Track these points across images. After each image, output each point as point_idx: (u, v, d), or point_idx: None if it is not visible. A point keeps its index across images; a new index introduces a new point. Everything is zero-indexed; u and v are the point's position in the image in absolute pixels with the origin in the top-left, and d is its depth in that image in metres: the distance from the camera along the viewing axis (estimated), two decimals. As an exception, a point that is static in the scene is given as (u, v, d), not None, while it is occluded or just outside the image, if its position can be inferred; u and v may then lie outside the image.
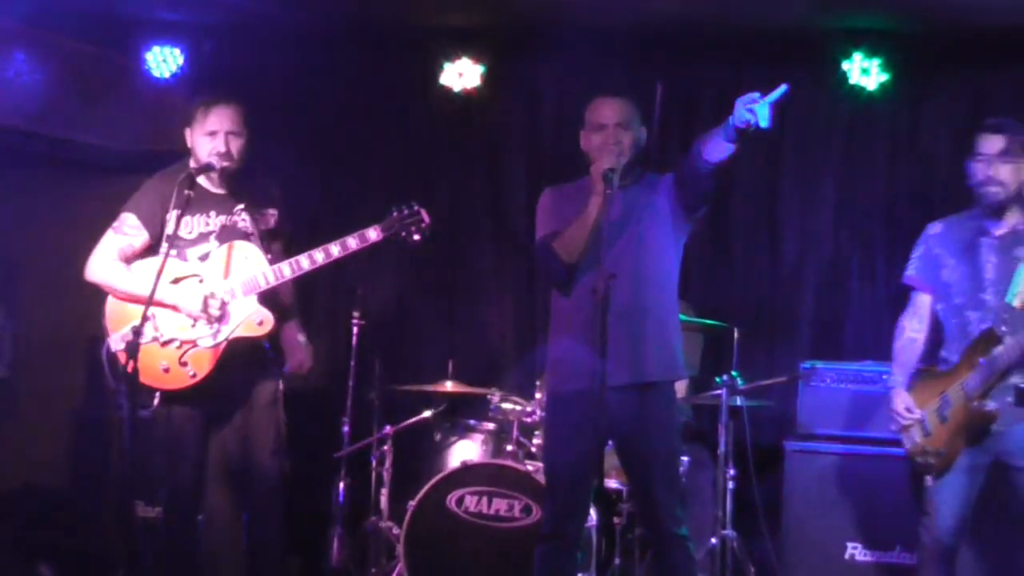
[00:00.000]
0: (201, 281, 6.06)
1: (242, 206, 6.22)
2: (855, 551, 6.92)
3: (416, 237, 6.11)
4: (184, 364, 6.04)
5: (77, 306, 6.66)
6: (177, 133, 6.29)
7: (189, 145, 6.21)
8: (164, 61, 8.20)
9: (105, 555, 6.91)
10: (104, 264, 6.12)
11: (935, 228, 6.20)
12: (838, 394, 7.11)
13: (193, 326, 6.04)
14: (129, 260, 6.12)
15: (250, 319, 6.08)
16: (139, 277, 6.04)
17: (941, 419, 5.93)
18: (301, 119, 8.37)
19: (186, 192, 5.87)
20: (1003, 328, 5.74)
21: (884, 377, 6.96)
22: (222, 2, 7.73)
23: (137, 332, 5.51)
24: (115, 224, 6.18)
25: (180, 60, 8.23)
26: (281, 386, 6.32)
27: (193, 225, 6.12)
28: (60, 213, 8.06)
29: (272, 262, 6.12)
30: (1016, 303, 5.76)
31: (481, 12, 7.92)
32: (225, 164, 6.11)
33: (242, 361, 6.13)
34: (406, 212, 6.04)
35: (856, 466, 6.96)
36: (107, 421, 6.99)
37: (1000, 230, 6.00)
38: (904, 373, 6.12)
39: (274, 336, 6.29)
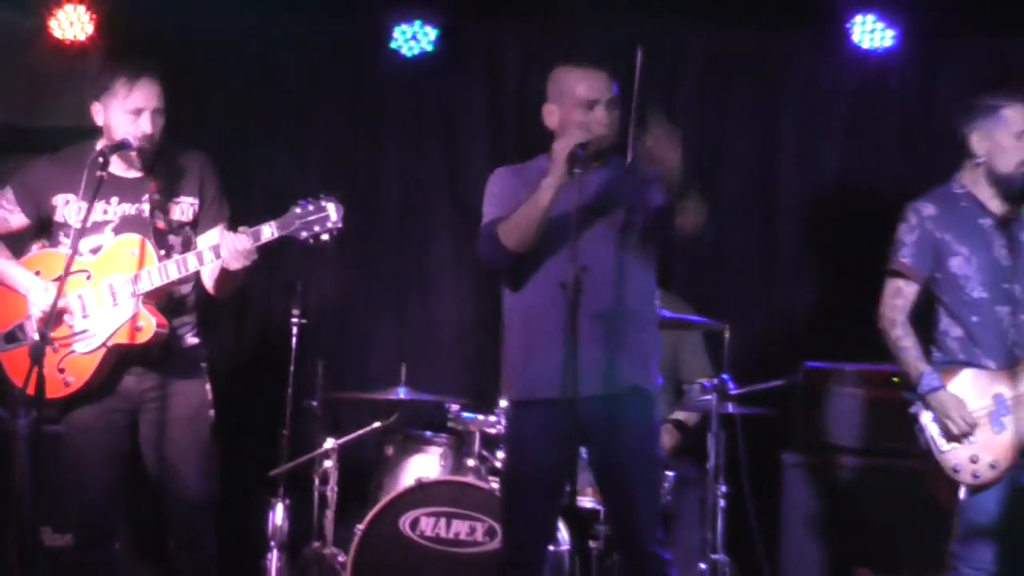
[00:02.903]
0: (89, 277, 5.92)
1: (155, 194, 6.04)
2: (862, 576, 6.94)
3: (324, 237, 5.76)
4: (61, 371, 5.90)
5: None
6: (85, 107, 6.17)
7: (101, 122, 6.05)
8: (73, 24, 8.11)
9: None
10: None
11: (928, 209, 6.19)
12: (844, 399, 7.12)
13: (72, 328, 5.91)
14: (7, 235, 6.07)
15: (127, 325, 5.88)
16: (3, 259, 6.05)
17: (996, 426, 5.92)
18: (228, 89, 8.30)
19: (98, 174, 5.70)
20: None
21: (894, 380, 6.97)
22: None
23: (21, 330, 5.73)
24: None
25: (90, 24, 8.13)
26: (209, 395, 6.19)
27: (88, 213, 5.83)
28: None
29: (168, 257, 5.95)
30: None
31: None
32: (146, 147, 5.96)
33: (142, 368, 6.02)
34: (311, 208, 5.71)
35: (865, 480, 7.00)
36: (5, 440, 6.90)
37: (1000, 210, 6.07)
38: (935, 371, 6.04)
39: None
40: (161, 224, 6.00)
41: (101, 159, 5.74)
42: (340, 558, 7.13)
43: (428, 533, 6.89)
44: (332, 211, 5.69)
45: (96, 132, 6.10)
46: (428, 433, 7.41)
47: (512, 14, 8.26)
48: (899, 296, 6.18)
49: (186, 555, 6.21)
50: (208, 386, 6.20)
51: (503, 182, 5.80)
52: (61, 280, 5.56)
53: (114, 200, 6.00)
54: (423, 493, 6.94)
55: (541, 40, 8.17)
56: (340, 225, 5.71)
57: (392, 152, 8.55)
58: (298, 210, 5.73)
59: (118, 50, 7.90)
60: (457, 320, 8.46)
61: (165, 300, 5.97)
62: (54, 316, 5.70)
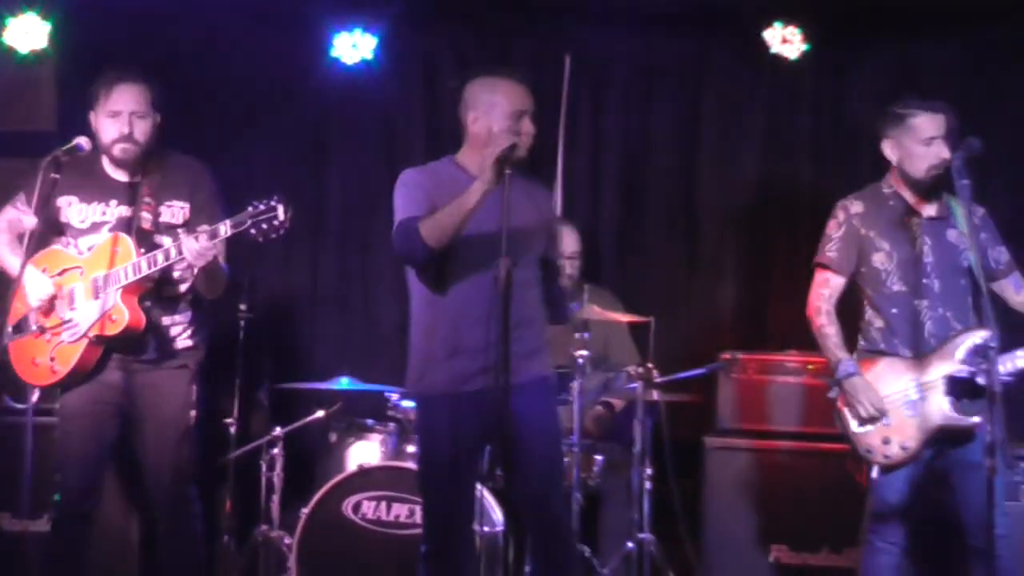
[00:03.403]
0: (82, 273, 6.03)
1: (145, 197, 6.14)
2: (779, 553, 6.98)
3: (273, 236, 5.79)
4: (52, 359, 6.06)
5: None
6: (41, 113, 6.22)
7: (93, 128, 6.14)
8: (26, 34, 8.06)
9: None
10: None
11: (855, 206, 6.23)
12: (760, 386, 7.16)
13: (61, 318, 6.05)
14: (20, 235, 6.14)
15: (103, 317, 5.99)
16: (7, 254, 6.24)
17: (909, 411, 5.97)
18: (177, 94, 8.26)
19: (52, 176, 5.81)
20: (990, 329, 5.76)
21: (809, 367, 7.05)
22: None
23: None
24: (14, 198, 6.25)
25: (47, 35, 8.09)
26: (193, 396, 6.29)
27: (88, 214, 6.13)
28: None
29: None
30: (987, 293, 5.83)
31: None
32: (127, 146, 6.08)
33: (132, 364, 6.13)
34: (261, 207, 5.72)
35: (779, 462, 7.04)
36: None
37: (929, 211, 6.08)
38: (852, 358, 6.11)
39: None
40: (147, 225, 6.09)
41: (55, 160, 5.82)
42: (286, 540, 7.10)
43: (370, 516, 6.89)
44: (280, 211, 5.71)
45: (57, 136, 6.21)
46: (369, 421, 7.40)
47: (447, 23, 8.27)
48: (825, 287, 6.23)
49: (168, 543, 6.29)
50: (193, 387, 6.29)
51: (416, 182, 5.79)
52: (19, 276, 5.81)
53: (112, 202, 6.13)
54: (365, 478, 6.94)
55: (475, 49, 8.19)
56: (287, 224, 5.74)
57: (335, 154, 8.53)
58: (250, 209, 5.76)
59: (70, 58, 7.89)
60: (396, 314, 8.40)
61: (153, 298, 6.11)
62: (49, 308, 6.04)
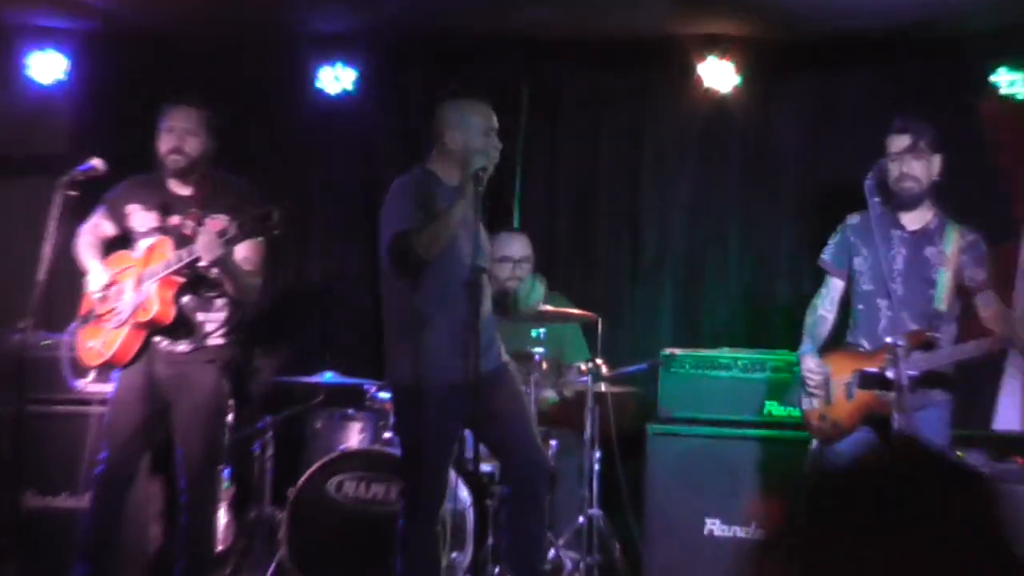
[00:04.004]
0: (134, 270, 6.23)
1: (193, 208, 6.30)
2: (713, 527, 6.96)
3: (271, 235, 6.09)
4: (101, 343, 6.25)
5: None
6: (60, 137, 6.29)
7: (157, 145, 6.34)
8: (47, 67, 8.03)
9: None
10: (76, 236, 6.43)
11: (853, 219, 6.33)
12: (696, 380, 7.15)
13: (111, 308, 6.23)
14: (100, 240, 6.41)
15: (139, 305, 6.14)
16: (85, 252, 6.39)
17: (848, 394, 6.09)
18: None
19: (69, 193, 5.98)
20: (935, 334, 5.91)
21: (739, 362, 7.05)
22: (104, 10, 7.58)
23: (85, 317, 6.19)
24: (96, 209, 6.45)
25: (64, 67, 8.05)
26: (222, 388, 6.41)
27: (147, 220, 6.30)
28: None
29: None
30: (943, 307, 5.89)
31: (353, 18, 7.84)
32: (177, 158, 6.25)
33: (167, 352, 6.27)
34: (262, 212, 5.94)
35: (714, 447, 7.02)
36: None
37: (913, 226, 6.17)
38: (813, 344, 6.27)
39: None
40: (188, 231, 6.23)
41: (70, 180, 6.00)
42: (278, 515, 7.09)
43: (351, 494, 6.89)
44: (276, 216, 5.88)
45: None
46: (350, 410, 7.39)
47: (420, 59, 8.26)
48: (823, 286, 6.43)
49: (189, 517, 6.35)
50: (222, 380, 6.41)
51: (408, 192, 5.80)
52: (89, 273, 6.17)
53: (167, 211, 6.33)
54: (346, 461, 6.97)
55: (444, 81, 8.15)
56: (280, 227, 5.91)
57: (318, 170, 8.53)
58: (248, 215, 5.96)
59: (84, 88, 7.85)
60: (373, 314, 8.41)
61: (190, 294, 6.25)
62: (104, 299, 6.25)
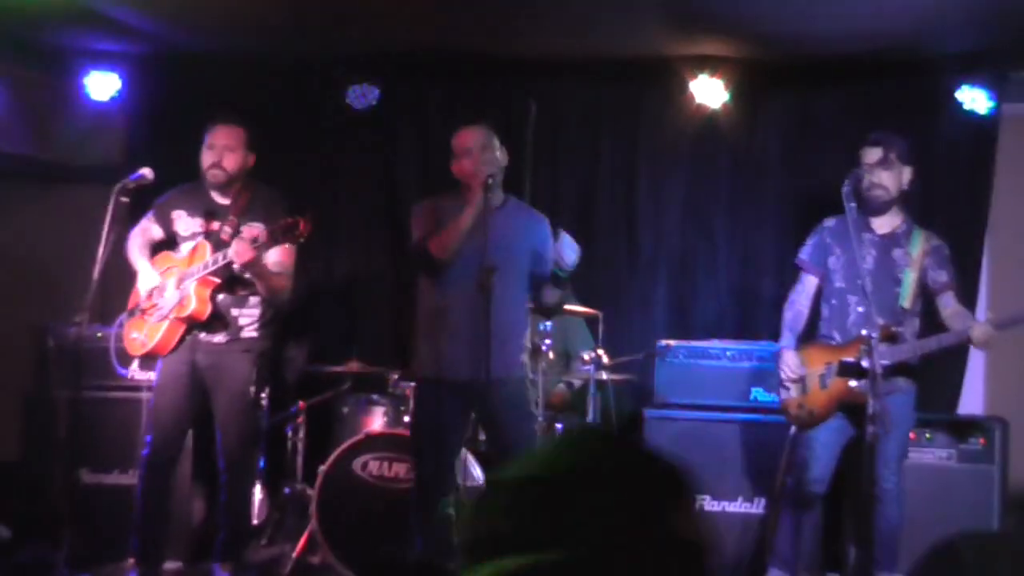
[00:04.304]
0: (176, 270, 6.38)
1: (230, 215, 6.42)
2: (704, 502, 7.06)
3: (299, 242, 6.16)
4: (144, 335, 6.38)
5: (22, 303, 6.75)
6: (114, 149, 6.44)
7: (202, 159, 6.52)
8: (102, 86, 8.13)
9: (54, 517, 6.93)
10: (128, 239, 6.58)
11: (830, 222, 6.50)
12: (689, 368, 7.23)
13: (154, 304, 6.37)
14: (149, 242, 6.54)
15: (178, 302, 6.29)
16: (137, 254, 6.53)
17: (822, 384, 6.21)
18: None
19: (122, 200, 6.20)
20: (899, 328, 6.02)
21: (727, 353, 7.16)
22: (153, 34, 7.67)
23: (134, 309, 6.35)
24: (147, 213, 6.63)
25: (118, 85, 8.14)
26: (253, 376, 6.51)
27: (190, 225, 6.45)
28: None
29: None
30: (907, 304, 6.00)
31: (376, 42, 7.94)
32: (216, 172, 6.40)
33: (205, 343, 6.41)
34: (290, 221, 6.06)
35: (704, 429, 7.06)
36: (53, 399, 7.04)
37: (882, 230, 6.33)
38: (792, 338, 6.42)
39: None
40: (225, 237, 6.34)
41: (122, 188, 6.21)
42: (308, 492, 7.16)
43: (375, 473, 6.97)
44: (301, 224, 6.02)
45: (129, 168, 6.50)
46: (375, 396, 7.45)
47: (437, 78, 8.32)
48: (799, 283, 6.56)
49: (225, 497, 6.56)
50: (254, 369, 6.52)
51: (424, 210, 6.07)
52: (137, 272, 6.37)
53: (208, 218, 6.48)
54: (371, 442, 7.03)
55: (459, 98, 8.26)
56: (308, 234, 6.04)
57: (345, 179, 8.53)
58: (279, 223, 6.09)
59: (136, 104, 7.99)
60: (395, 309, 8.52)
61: (226, 292, 6.40)
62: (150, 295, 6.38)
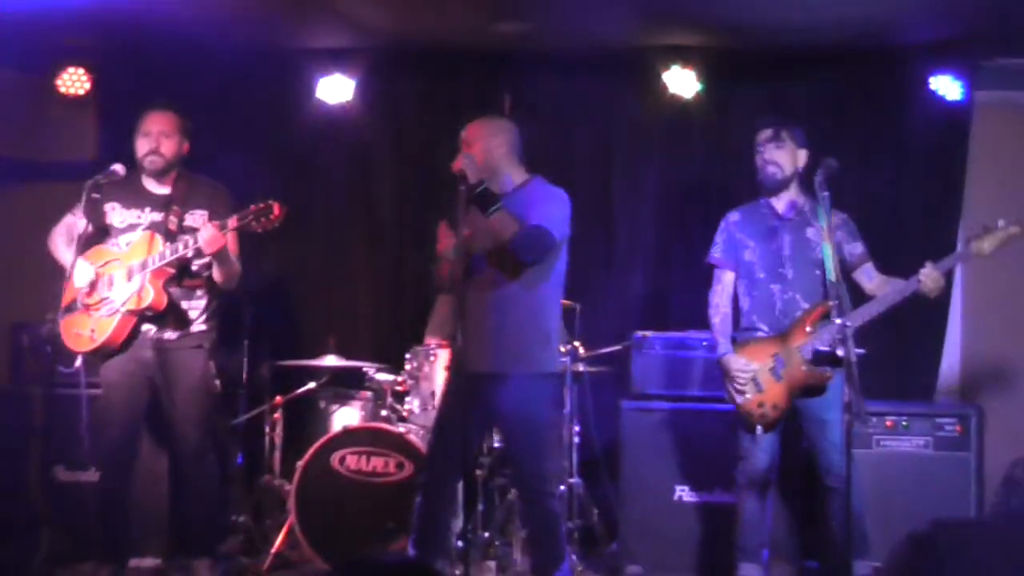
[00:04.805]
0: (120, 263, 6.22)
1: (174, 205, 6.32)
2: (682, 493, 7.01)
3: (270, 228, 6.03)
4: (92, 330, 6.23)
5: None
6: (87, 143, 6.36)
7: (135, 148, 6.39)
8: (75, 82, 8.11)
9: (30, 516, 6.89)
10: (52, 235, 6.46)
11: (734, 216, 6.46)
12: (665, 359, 7.21)
13: (102, 297, 6.21)
14: (75, 237, 6.27)
15: (134, 294, 6.16)
16: (63, 250, 6.38)
17: (776, 377, 6.12)
18: (198, 127, 8.32)
19: (93, 195, 6.15)
20: (832, 301, 5.89)
21: (704, 344, 7.13)
22: (128, 28, 7.62)
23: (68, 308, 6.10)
24: (72, 206, 6.41)
25: (90, 81, 8.13)
26: (210, 369, 6.45)
27: (126, 217, 6.31)
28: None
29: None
30: (834, 277, 5.92)
31: (351, 35, 7.89)
32: (154, 159, 6.31)
33: (156, 340, 6.29)
34: (261, 206, 5.99)
35: (681, 420, 7.05)
36: (28, 396, 6.98)
37: (787, 212, 6.28)
38: (728, 343, 6.31)
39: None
40: (173, 227, 6.25)
41: (95, 184, 6.15)
42: (286, 487, 7.13)
43: (353, 467, 6.94)
44: (275, 208, 5.97)
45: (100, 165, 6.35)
46: (352, 391, 7.47)
47: (411, 72, 8.30)
48: (717, 283, 6.45)
49: (183, 487, 6.47)
50: (210, 362, 6.46)
51: (439, 236, 6.02)
52: (70, 267, 6.07)
53: (147, 209, 6.36)
54: (349, 436, 7.01)
55: (433, 93, 8.22)
56: (280, 219, 5.98)
57: (319, 173, 8.51)
58: (252, 207, 6.02)
59: (108, 101, 7.92)
60: (372, 304, 8.49)
61: (173, 283, 6.28)
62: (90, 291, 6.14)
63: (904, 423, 6.98)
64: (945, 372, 7.85)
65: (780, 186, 6.28)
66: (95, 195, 6.17)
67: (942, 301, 7.39)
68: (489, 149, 5.93)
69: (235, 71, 8.11)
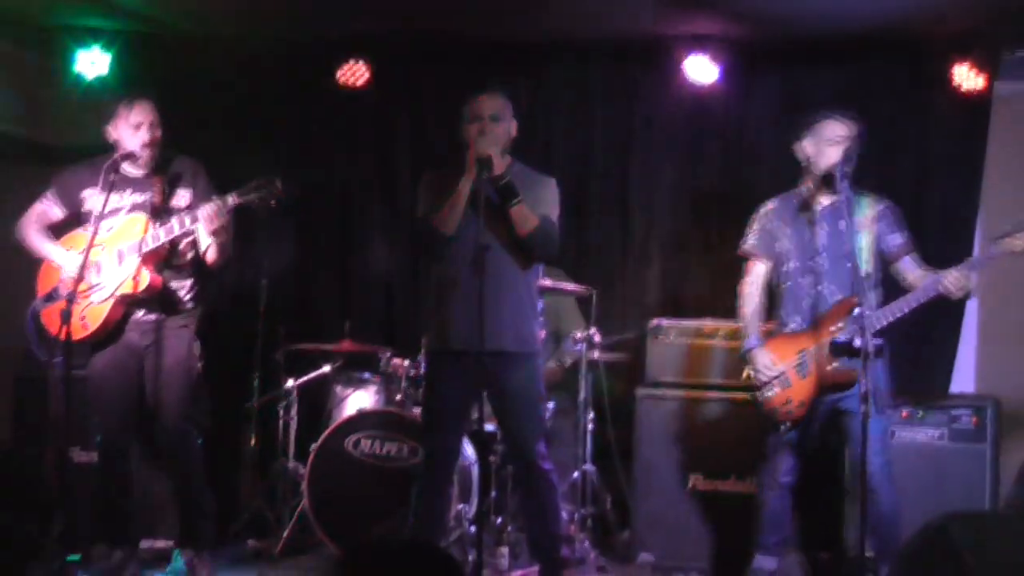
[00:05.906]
0: (104, 248, 6.13)
1: (156, 187, 6.25)
2: (696, 481, 7.00)
3: (272, 203, 5.95)
4: (83, 318, 6.13)
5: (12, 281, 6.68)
6: (103, 129, 6.32)
7: (114, 138, 6.28)
8: (92, 64, 8.03)
9: (45, 498, 6.85)
10: (24, 225, 6.34)
11: (768, 205, 6.34)
12: (680, 347, 7.18)
13: (90, 284, 6.12)
14: (48, 225, 6.29)
15: (129, 278, 6.09)
16: (39, 240, 6.28)
17: (802, 374, 6.04)
18: (220, 111, 8.29)
19: (111, 176, 6.02)
20: (860, 299, 5.79)
21: (720, 332, 7.07)
22: (145, 14, 7.60)
23: (70, 295, 5.77)
24: (42, 194, 6.34)
25: (107, 65, 8.05)
26: (196, 349, 6.39)
27: (109, 201, 6.12)
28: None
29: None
30: (870, 269, 5.82)
31: (369, 22, 7.85)
32: (149, 150, 6.22)
33: (145, 323, 6.24)
34: (262, 181, 5.93)
35: (696, 409, 7.04)
36: (44, 379, 6.93)
37: (825, 202, 6.10)
38: (756, 335, 6.22)
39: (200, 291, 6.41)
40: (158, 200, 6.21)
41: (114, 164, 6.05)
42: (300, 470, 7.16)
43: (366, 451, 6.94)
44: (276, 184, 5.91)
45: (105, 147, 6.28)
46: (366, 374, 7.42)
47: (431, 58, 8.26)
48: (748, 273, 6.35)
49: (171, 465, 6.41)
50: (196, 342, 6.42)
51: (429, 182, 5.89)
52: (86, 251, 5.85)
53: (127, 192, 6.25)
54: (363, 420, 7.01)
55: (452, 79, 8.17)
56: (282, 195, 5.92)
57: (337, 159, 8.50)
58: (252, 183, 5.95)
59: (126, 83, 7.88)
60: (385, 286, 8.45)
61: (164, 264, 6.22)
62: (79, 278, 5.90)
63: (920, 414, 6.91)
64: (961, 362, 7.78)
65: (829, 182, 6.09)
66: (112, 177, 6.02)
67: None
68: (510, 129, 5.86)
69: (256, 58, 8.14)
